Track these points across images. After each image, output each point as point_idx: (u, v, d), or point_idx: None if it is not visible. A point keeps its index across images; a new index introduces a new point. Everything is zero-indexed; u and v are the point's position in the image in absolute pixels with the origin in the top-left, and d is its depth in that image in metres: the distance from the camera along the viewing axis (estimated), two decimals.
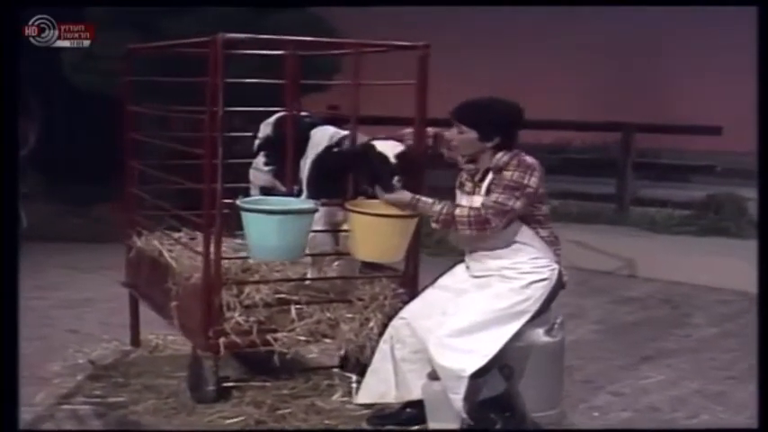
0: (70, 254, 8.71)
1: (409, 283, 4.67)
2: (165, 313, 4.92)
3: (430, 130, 4.53)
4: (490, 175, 4.13)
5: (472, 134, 4.11)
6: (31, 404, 4.67)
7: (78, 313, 6.57)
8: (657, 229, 9.72)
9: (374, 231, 4.23)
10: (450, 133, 4.20)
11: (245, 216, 4.16)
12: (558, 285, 4.22)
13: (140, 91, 5.73)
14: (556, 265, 4.19)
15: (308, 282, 4.67)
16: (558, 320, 4.32)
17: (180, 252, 5.04)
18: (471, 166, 4.25)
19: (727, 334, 6.47)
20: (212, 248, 4.33)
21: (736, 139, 10.65)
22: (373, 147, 4.31)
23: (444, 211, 4.06)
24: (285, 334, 4.39)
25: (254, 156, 5.06)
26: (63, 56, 9.60)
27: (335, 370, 4.98)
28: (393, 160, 4.24)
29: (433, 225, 4.13)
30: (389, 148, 4.29)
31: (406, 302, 4.50)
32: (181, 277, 4.64)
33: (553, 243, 4.23)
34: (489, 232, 4.01)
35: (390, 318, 4.44)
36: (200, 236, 5.22)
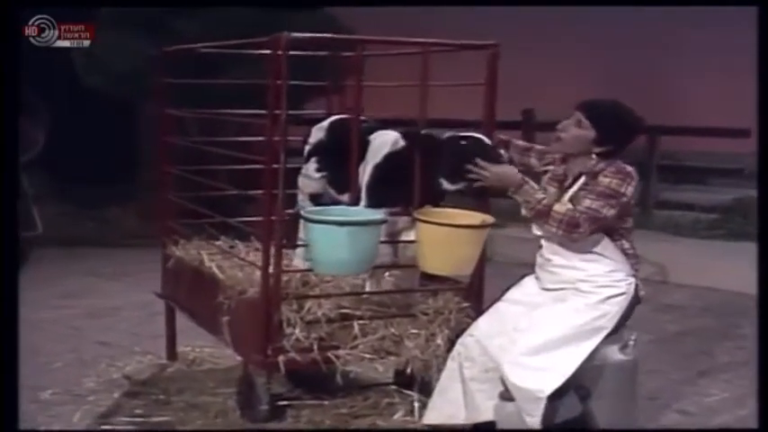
0: (88, 259, 8.39)
1: (474, 297, 4.39)
2: (212, 328, 4.63)
3: (502, 136, 4.28)
4: (581, 180, 3.87)
5: (591, 133, 3.83)
6: (70, 424, 4.42)
7: (106, 323, 6.28)
8: (683, 232, 9.48)
9: (447, 243, 3.95)
10: (565, 124, 3.90)
11: (311, 227, 3.87)
12: (635, 300, 3.96)
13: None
14: (632, 279, 3.93)
15: (365, 295, 4.39)
16: (633, 338, 4.07)
17: (224, 262, 4.77)
18: (559, 170, 3.99)
19: None
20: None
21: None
22: (459, 135, 4.10)
23: (545, 202, 3.80)
24: (348, 351, 4.10)
25: (305, 162, 4.76)
26: (74, 57, 9.34)
27: (393, 387, 4.71)
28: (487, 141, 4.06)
29: (524, 213, 3.87)
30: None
31: (471, 317, 4.25)
32: (234, 291, 4.34)
33: (633, 256, 3.97)
34: (576, 236, 3.75)
35: (456, 333, 4.18)
36: (240, 245, 5.00)
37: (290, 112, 4.24)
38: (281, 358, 4.05)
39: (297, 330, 4.06)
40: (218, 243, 5.02)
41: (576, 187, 3.87)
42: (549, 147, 4.10)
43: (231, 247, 5.02)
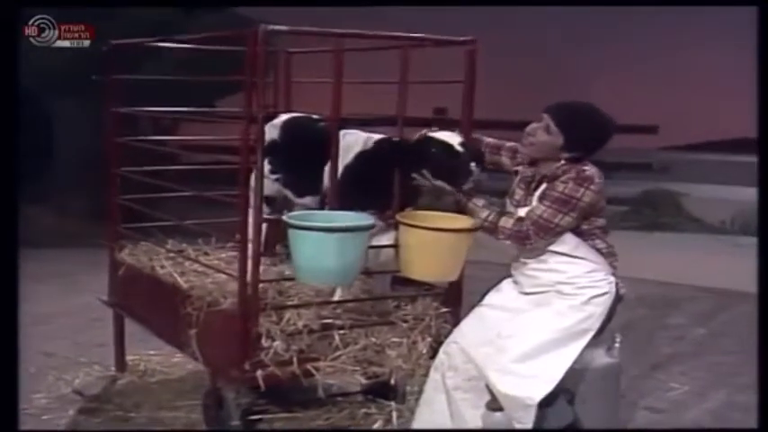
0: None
1: (453, 302, 3.96)
2: (173, 340, 4.09)
3: (476, 135, 3.88)
4: (544, 185, 3.51)
5: (558, 140, 3.45)
6: None
7: (45, 331, 5.61)
8: None
9: (438, 247, 3.51)
10: (534, 128, 3.52)
11: (295, 234, 3.37)
12: (617, 299, 3.63)
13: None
14: (613, 278, 3.60)
15: (340, 303, 3.89)
16: (618, 340, 3.77)
17: (177, 267, 4.24)
18: (528, 172, 3.61)
19: (716, 334, 6.05)
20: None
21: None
22: (432, 138, 3.64)
23: (490, 218, 3.52)
24: (329, 363, 3.62)
25: None
26: None
27: (369, 397, 4.26)
28: (459, 148, 3.60)
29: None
30: (450, 138, 3.64)
31: (450, 322, 3.84)
32: (202, 301, 3.81)
33: (610, 255, 3.63)
34: (529, 246, 3.49)
35: (437, 340, 3.75)
36: (189, 249, 4.47)
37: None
38: (259, 373, 3.52)
39: (276, 343, 3.55)
40: (168, 247, 4.46)
41: (539, 191, 3.53)
42: (519, 148, 3.72)
43: (180, 251, 4.47)
